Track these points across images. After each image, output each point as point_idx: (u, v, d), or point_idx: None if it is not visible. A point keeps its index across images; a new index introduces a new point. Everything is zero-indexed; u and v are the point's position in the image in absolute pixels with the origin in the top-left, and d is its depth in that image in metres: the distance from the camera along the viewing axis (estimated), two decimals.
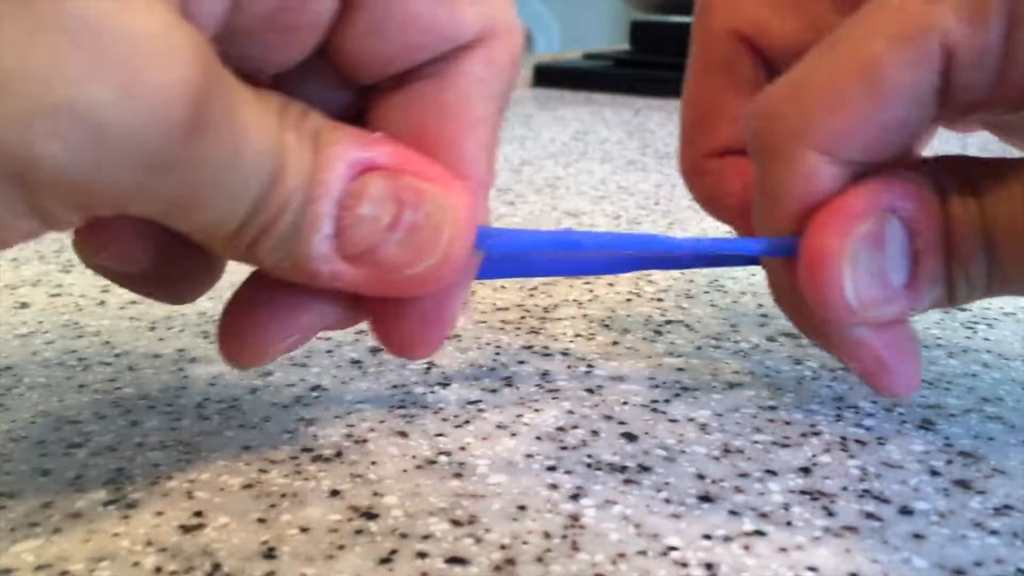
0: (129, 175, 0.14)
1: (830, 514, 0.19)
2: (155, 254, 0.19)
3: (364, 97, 0.19)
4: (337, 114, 0.18)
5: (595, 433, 0.22)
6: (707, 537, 0.18)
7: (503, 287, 0.32)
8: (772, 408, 0.23)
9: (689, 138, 0.26)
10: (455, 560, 0.17)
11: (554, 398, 0.24)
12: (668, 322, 0.29)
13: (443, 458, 0.21)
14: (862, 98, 0.19)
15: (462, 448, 0.21)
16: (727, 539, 0.18)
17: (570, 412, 0.23)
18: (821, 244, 0.19)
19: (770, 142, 0.20)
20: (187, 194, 0.15)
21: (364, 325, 0.28)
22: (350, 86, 0.19)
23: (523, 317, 0.29)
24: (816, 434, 0.22)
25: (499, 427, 0.22)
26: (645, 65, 0.86)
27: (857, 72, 0.18)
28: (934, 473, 0.21)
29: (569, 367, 0.26)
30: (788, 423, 0.23)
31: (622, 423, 0.23)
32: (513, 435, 0.22)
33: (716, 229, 0.40)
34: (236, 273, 0.20)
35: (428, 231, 0.18)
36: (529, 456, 0.21)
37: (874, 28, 0.18)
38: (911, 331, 0.21)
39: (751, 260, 0.24)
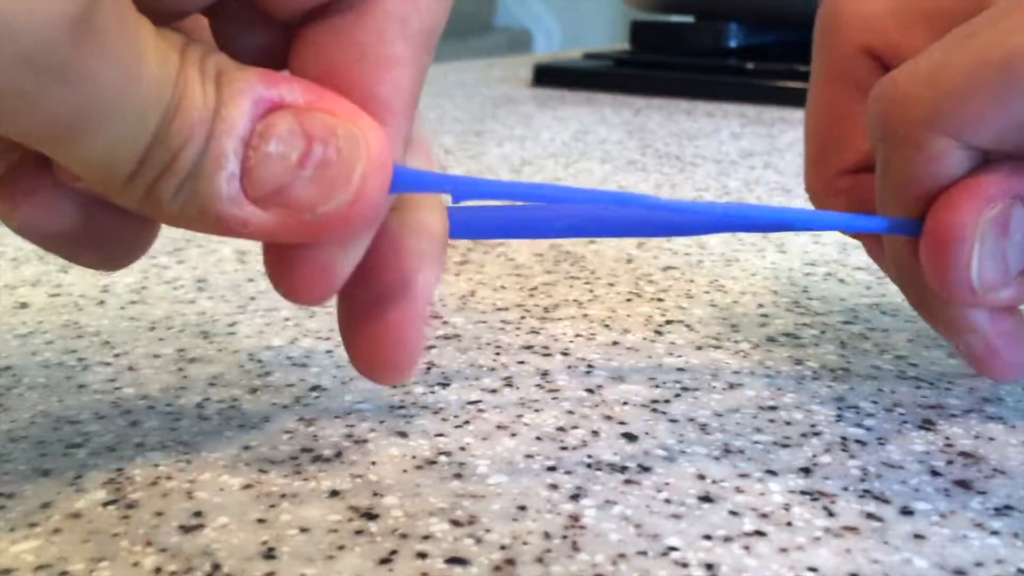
0: (11, 74, 0.14)
1: (830, 514, 0.19)
2: (79, 210, 0.18)
3: (286, 37, 0.18)
4: (261, 58, 0.18)
5: (595, 433, 0.22)
6: (707, 537, 0.18)
7: (503, 287, 0.32)
8: (772, 408, 0.23)
9: (819, 156, 0.26)
10: (455, 560, 0.17)
11: (554, 398, 0.24)
12: (668, 322, 0.29)
13: (443, 458, 0.21)
14: (999, 87, 0.19)
15: (462, 448, 0.21)
16: (727, 539, 0.18)
17: (570, 412, 0.23)
18: (952, 222, 0.20)
19: (900, 126, 0.20)
20: (78, 111, 0.14)
21: None
22: (272, 24, 0.18)
23: (523, 317, 0.29)
24: (816, 434, 0.22)
25: (499, 427, 0.22)
26: (645, 65, 0.86)
27: (996, 61, 0.19)
28: (935, 473, 0.21)
29: (569, 367, 0.26)
30: (788, 423, 0.23)
31: (622, 423, 0.23)
32: (513, 435, 0.22)
33: None
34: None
35: (339, 166, 0.17)
36: (529, 456, 0.21)
37: (1017, 22, 0.19)
38: (1022, 318, 0.22)
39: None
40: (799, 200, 0.47)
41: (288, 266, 0.18)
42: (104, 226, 0.19)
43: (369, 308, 0.19)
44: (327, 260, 0.18)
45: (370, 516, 0.19)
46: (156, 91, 0.15)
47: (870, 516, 0.19)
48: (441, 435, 0.22)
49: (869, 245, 0.26)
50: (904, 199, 0.21)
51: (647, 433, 0.22)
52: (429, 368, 0.25)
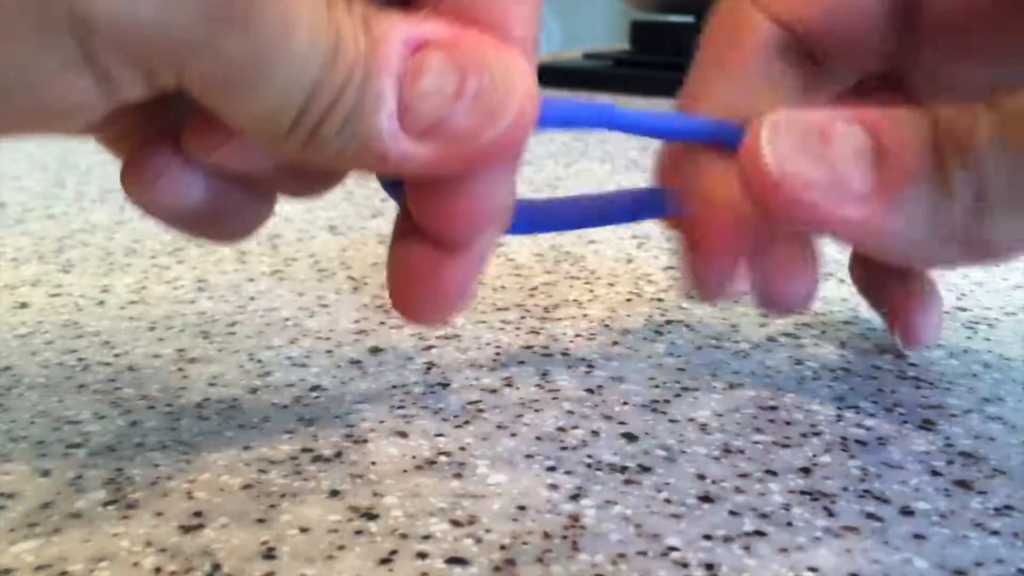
0: (189, 25, 0.14)
1: (831, 514, 0.19)
2: (207, 188, 0.19)
3: None
4: (390, 3, 0.18)
5: (595, 433, 0.22)
6: (707, 537, 0.18)
7: (503, 287, 0.32)
8: (772, 408, 0.23)
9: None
10: (455, 560, 0.17)
11: (554, 398, 0.24)
12: (668, 322, 0.29)
13: (443, 458, 0.21)
14: None
15: (462, 448, 0.21)
16: (727, 539, 0.18)
17: (570, 412, 0.23)
18: (758, 122, 0.19)
19: (721, 7, 0.21)
20: (252, 58, 0.15)
21: (363, 325, 0.28)
22: None
23: (523, 317, 0.29)
24: (816, 434, 0.22)
25: (499, 427, 0.22)
26: (645, 65, 0.86)
27: None
28: (935, 473, 0.21)
29: (569, 367, 0.26)
30: (788, 423, 0.23)
31: (622, 423, 0.23)
32: (513, 435, 0.22)
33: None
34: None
35: (497, 94, 0.17)
36: (529, 456, 0.21)
37: None
38: (814, 246, 0.22)
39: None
40: None
41: (441, 205, 0.19)
42: (228, 203, 0.19)
43: (437, 252, 0.19)
44: (482, 194, 0.18)
45: (370, 516, 0.19)
46: (316, 36, 0.15)
47: (870, 516, 0.19)
48: (441, 435, 0.22)
49: None
50: (722, 79, 0.21)
51: (647, 433, 0.22)
52: (429, 368, 0.25)
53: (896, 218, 0.18)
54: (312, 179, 0.20)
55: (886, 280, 0.26)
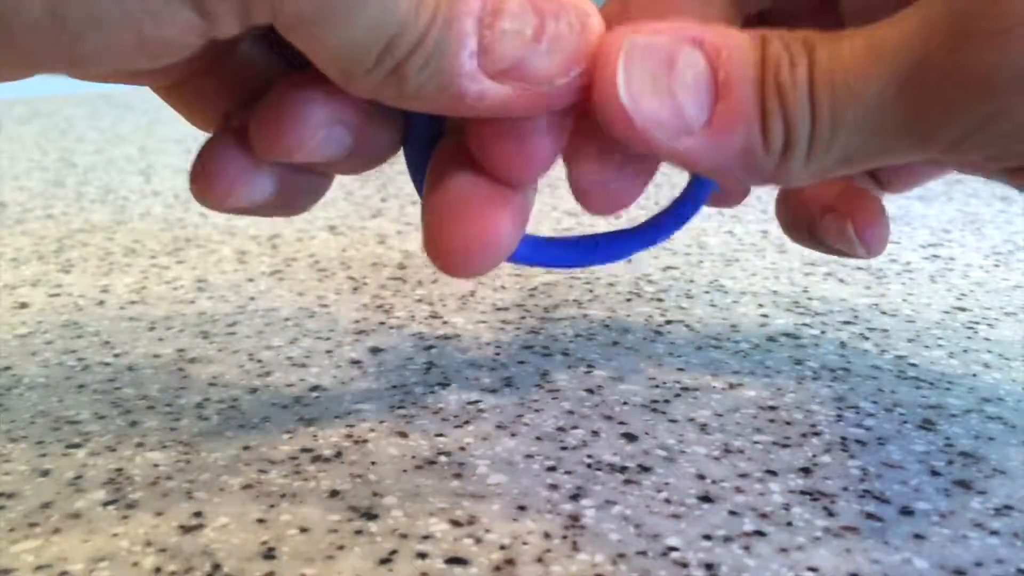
0: None
1: (830, 514, 0.19)
2: (275, 183, 0.19)
3: None
4: None
5: (595, 433, 0.22)
6: (707, 537, 0.18)
7: (503, 287, 0.32)
8: (772, 408, 0.23)
9: None
10: (455, 560, 0.17)
11: (554, 398, 0.24)
12: (668, 322, 0.29)
13: (443, 458, 0.21)
14: None
15: (462, 448, 0.21)
16: (727, 539, 0.18)
17: (570, 412, 0.23)
18: (608, 42, 0.18)
19: None
20: None
21: (363, 326, 0.28)
22: None
23: (523, 317, 0.29)
24: (816, 434, 0.22)
25: (499, 427, 0.22)
26: None
27: None
28: (935, 473, 0.21)
29: (569, 367, 0.26)
30: (788, 423, 0.23)
31: (622, 423, 0.23)
32: (513, 435, 0.22)
33: (718, 229, 0.40)
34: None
35: (575, 37, 0.17)
36: (529, 456, 0.21)
37: None
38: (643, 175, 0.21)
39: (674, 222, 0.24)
40: None
41: (510, 144, 0.19)
42: (294, 189, 0.20)
43: (477, 193, 0.20)
44: (549, 134, 0.19)
45: (370, 516, 0.19)
46: None
47: (870, 516, 0.19)
48: (441, 435, 0.22)
49: None
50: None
51: (647, 433, 0.22)
52: (429, 368, 0.25)
53: (716, 152, 0.18)
54: (372, 155, 0.21)
55: (839, 203, 0.25)
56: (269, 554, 0.17)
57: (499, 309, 0.30)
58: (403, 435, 0.22)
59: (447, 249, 0.20)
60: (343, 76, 0.17)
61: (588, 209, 0.22)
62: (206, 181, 0.19)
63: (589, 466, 0.20)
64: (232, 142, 0.19)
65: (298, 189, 0.20)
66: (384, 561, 0.17)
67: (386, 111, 0.19)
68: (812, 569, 0.17)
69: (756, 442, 0.22)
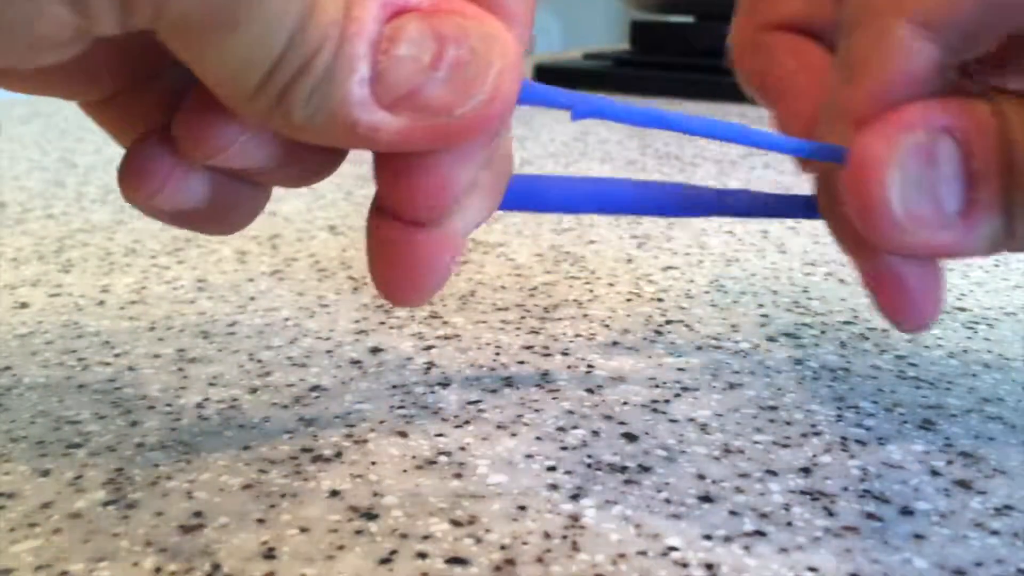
0: None
1: (831, 514, 0.19)
2: (206, 189, 0.19)
3: None
4: None
5: (595, 433, 0.22)
6: (707, 537, 0.18)
7: (503, 287, 0.32)
8: (772, 408, 0.23)
9: (747, 7, 0.25)
10: (455, 560, 0.17)
11: (554, 398, 0.24)
12: (668, 322, 0.29)
13: (443, 458, 0.21)
14: None
15: (462, 448, 0.21)
16: (727, 539, 0.18)
17: (570, 412, 0.23)
18: (868, 148, 0.18)
19: (862, 13, 0.19)
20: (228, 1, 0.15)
21: (363, 325, 0.28)
22: None
23: (523, 317, 0.29)
24: (816, 434, 0.22)
25: (499, 427, 0.22)
26: (645, 65, 0.86)
27: None
28: (935, 473, 0.21)
29: (569, 367, 0.26)
30: (788, 423, 0.23)
31: (622, 423, 0.23)
32: (513, 435, 0.22)
33: (718, 229, 0.40)
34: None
35: (475, 65, 0.16)
36: (529, 456, 0.21)
37: None
38: (941, 269, 0.20)
39: (804, 212, 0.22)
40: None
41: (403, 179, 0.18)
42: (228, 198, 0.19)
43: (408, 229, 0.19)
44: (446, 171, 0.17)
45: (370, 516, 0.19)
46: None
47: (870, 516, 0.19)
48: (441, 435, 0.22)
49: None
50: (858, 97, 0.19)
51: (647, 433, 0.22)
52: (429, 368, 0.25)
53: (967, 241, 0.18)
54: (308, 167, 0.20)
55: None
56: (269, 554, 0.17)
57: (499, 309, 0.30)
58: (403, 435, 0.22)
59: (379, 283, 0.20)
60: (227, 100, 0.16)
61: (901, 324, 0.21)
62: (135, 178, 0.18)
63: (589, 466, 0.20)
64: (163, 141, 0.18)
65: (232, 199, 0.19)
66: (384, 561, 0.17)
67: None
68: (812, 569, 0.17)
69: (756, 442, 0.22)
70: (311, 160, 0.20)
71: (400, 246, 0.19)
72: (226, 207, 0.19)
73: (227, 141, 0.18)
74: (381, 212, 0.19)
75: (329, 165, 0.20)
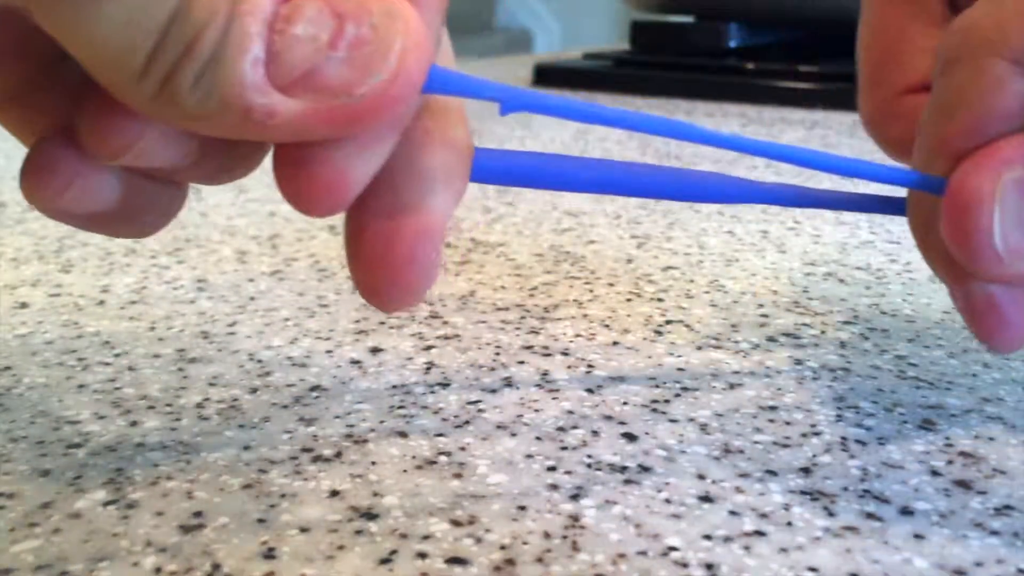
0: None
1: (830, 514, 0.19)
2: (117, 188, 0.17)
3: None
4: None
5: (595, 433, 0.22)
6: (707, 537, 0.18)
7: (503, 287, 0.32)
8: (772, 408, 0.23)
9: (876, 77, 0.25)
10: (455, 560, 0.17)
11: (554, 398, 0.24)
12: (668, 322, 0.29)
13: (443, 458, 0.21)
14: None
15: (462, 448, 0.21)
16: (727, 539, 0.18)
17: (570, 412, 0.23)
18: (971, 183, 0.19)
19: (959, 51, 0.19)
20: None
21: (363, 326, 0.28)
22: None
23: (523, 317, 0.29)
24: (816, 434, 0.22)
25: (499, 427, 0.22)
26: (645, 65, 0.86)
27: None
28: (935, 473, 0.21)
29: (569, 367, 0.26)
30: (788, 423, 0.23)
31: (622, 423, 0.23)
32: (513, 435, 0.22)
33: (718, 229, 0.40)
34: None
35: (375, 43, 0.15)
36: (529, 456, 0.21)
37: None
38: None
39: (890, 208, 0.23)
40: None
41: (300, 170, 0.16)
42: (140, 198, 0.18)
43: (381, 223, 0.18)
44: (344, 164, 0.16)
45: (370, 516, 0.19)
46: None
47: (870, 516, 0.19)
48: (441, 435, 0.22)
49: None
50: (952, 132, 0.19)
51: (647, 433, 0.22)
52: (429, 368, 0.25)
53: None
54: (225, 163, 0.19)
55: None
56: (269, 554, 0.17)
57: (499, 309, 0.30)
58: (403, 435, 0.22)
59: (367, 292, 0.18)
60: (113, 87, 0.15)
61: (995, 347, 0.21)
62: (36, 177, 0.17)
63: (589, 466, 0.21)
64: (68, 139, 0.17)
65: (144, 200, 0.18)
66: (384, 561, 0.17)
67: None
68: (812, 569, 0.17)
69: (756, 442, 0.22)
70: (227, 155, 0.18)
71: (375, 243, 0.18)
72: (139, 208, 0.18)
73: (134, 137, 0.17)
74: (354, 209, 0.18)
75: (248, 159, 0.19)
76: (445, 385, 0.24)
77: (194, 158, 0.18)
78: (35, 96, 0.18)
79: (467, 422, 0.22)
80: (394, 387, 0.24)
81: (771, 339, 0.28)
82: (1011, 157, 0.19)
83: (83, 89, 0.17)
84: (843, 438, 0.22)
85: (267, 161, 0.18)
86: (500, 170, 0.21)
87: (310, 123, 0.15)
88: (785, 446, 0.22)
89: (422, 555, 0.17)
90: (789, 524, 0.19)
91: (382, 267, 0.18)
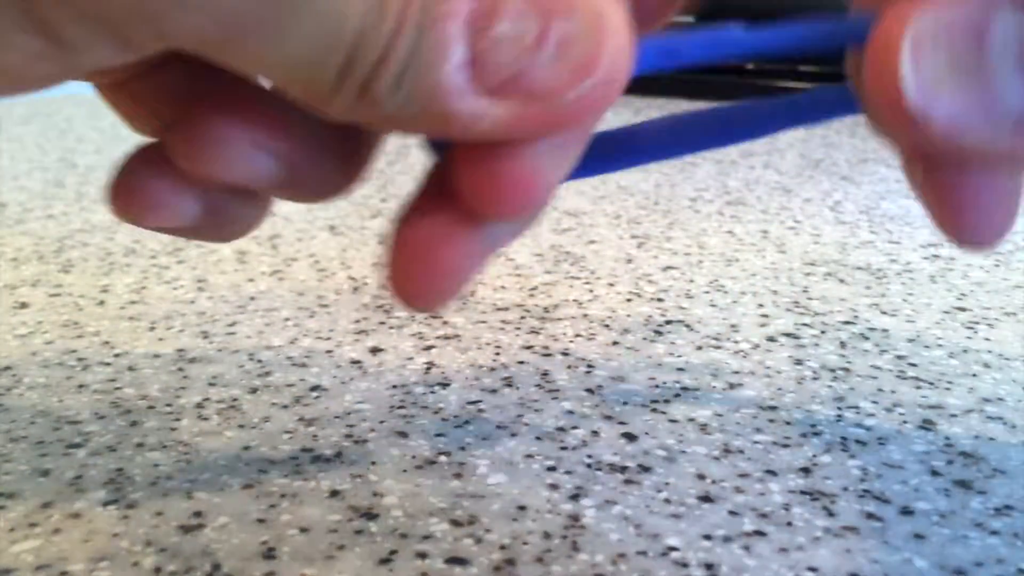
0: None
1: (830, 514, 0.19)
2: (202, 202, 0.17)
3: None
4: None
5: (595, 433, 0.22)
6: (707, 537, 0.18)
7: (503, 287, 0.32)
8: (772, 408, 0.23)
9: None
10: (455, 560, 0.17)
11: (554, 398, 0.24)
12: (668, 322, 0.29)
13: (443, 458, 0.21)
14: None
15: (462, 448, 0.21)
16: (727, 539, 0.18)
17: (570, 412, 0.23)
18: (882, 28, 0.15)
19: None
20: (251, 9, 0.13)
21: (363, 325, 0.28)
22: None
23: (523, 317, 0.29)
24: (816, 434, 0.22)
25: (499, 427, 0.22)
26: None
27: None
28: (935, 473, 0.21)
29: (569, 367, 0.26)
30: (788, 423, 0.23)
31: (622, 423, 0.23)
32: (513, 435, 0.22)
33: (718, 229, 0.40)
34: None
35: (586, 43, 0.14)
36: (529, 456, 0.21)
37: None
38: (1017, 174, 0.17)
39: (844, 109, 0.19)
40: (798, 200, 0.47)
41: (489, 171, 0.15)
42: (224, 212, 0.18)
43: (441, 225, 0.17)
44: (539, 162, 0.15)
45: (370, 516, 0.19)
46: None
47: (870, 516, 0.19)
48: (441, 435, 0.22)
49: None
50: None
51: (647, 433, 0.22)
52: (429, 368, 0.25)
53: None
54: (310, 188, 0.19)
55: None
56: (269, 554, 0.17)
57: (499, 309, 0.30)
58: (403, 435, 0.22)
59: (400, 283, 0.17)
60: (308, 100, 0.15)
61: (964, 240, 0.17)
62: (125, 198, 0.17)
63: (589, 466, 0.21)
64: (156, 157, 0.17)
65: (229, 213, 0.18)
66: (384, 561, 0.17)
67: (337, 143, 0.17)
68: (812, 569, 0.17)
69: (756, 442, 0.22)
70: (319, 182, 0.18)
71: (435, 248, 0.17)
72: (223, 222, 0.18)
73: (222, 164, 0.16)
74: (426, 209, 0.17)
75: (341, 184, 0.18)
76: (445, 385, 0.24)
77: (284, 180, 0.17)
78: (146, 82, 0.18)
79: (467, 422, 0.22)
80: (394, 387, 0.24)
81: (771, 339, 0.28)
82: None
83: (194, 78, 0.17)
84: (843, 438, 0.22)
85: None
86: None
87: (518, 126, 0.15)
88: (785, 446, 0.22)
89: (422, 555, 0.17)
90: (789, 524, 0.19)
91: (430, 272, 0.17)
